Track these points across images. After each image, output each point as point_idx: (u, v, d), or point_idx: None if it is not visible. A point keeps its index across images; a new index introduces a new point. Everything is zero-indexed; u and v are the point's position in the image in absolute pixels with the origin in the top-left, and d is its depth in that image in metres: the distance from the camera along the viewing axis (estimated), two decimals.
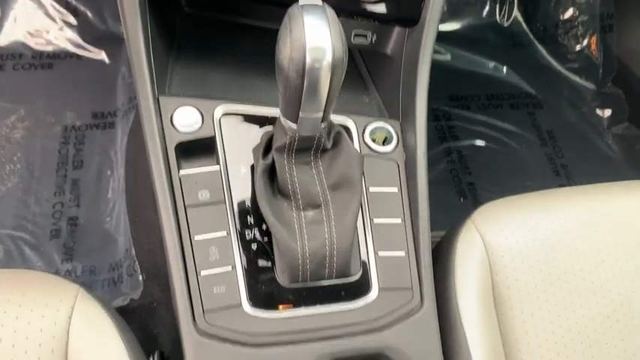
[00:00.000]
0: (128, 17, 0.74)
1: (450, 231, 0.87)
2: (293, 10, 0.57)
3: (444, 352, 0.73)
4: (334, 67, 0.56)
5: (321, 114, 0.62)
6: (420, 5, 0.78)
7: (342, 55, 0.57)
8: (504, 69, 1.81)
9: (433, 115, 1.65)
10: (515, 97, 1.76)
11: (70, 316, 0.67)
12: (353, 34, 0.87)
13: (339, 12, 0.81)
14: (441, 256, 0.83)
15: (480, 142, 1.64)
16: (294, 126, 0.64)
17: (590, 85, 1.81)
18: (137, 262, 1.12)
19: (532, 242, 0.83)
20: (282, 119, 0.65)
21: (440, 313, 0.74)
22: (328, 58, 0.56)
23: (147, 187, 0.84)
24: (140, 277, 1.11)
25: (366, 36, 0.87)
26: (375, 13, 0.80)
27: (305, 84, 0.57)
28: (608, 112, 1.76)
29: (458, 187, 1.55)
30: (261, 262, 0.70)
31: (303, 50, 0.55)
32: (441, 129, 1.64)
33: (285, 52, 0.56)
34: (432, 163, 1.58)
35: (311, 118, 0.62)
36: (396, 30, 0.85)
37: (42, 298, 0.67)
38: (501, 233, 0.83)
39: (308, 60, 0.55)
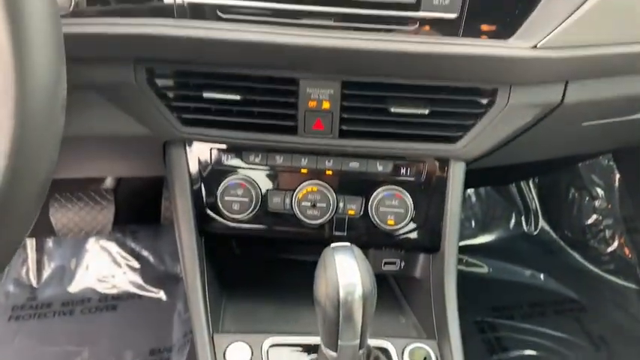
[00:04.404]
0: (188, 265, 0.86)
1: None
2: (326, 252, 0.68)
3: None
4: (365, 299, 0.65)
5: (358, 341, 0.69)
6: (439, 236, 0.89)
7: (371, 287, 0.66)
8: (542, 276, 1.85)
9: (478, 327, 1.66)
10: (557, 302, 1.77)
11: None
12: (383, 262, 0.98)
13: (369, 246, 0.92)
14: None
15: (530, 352, 1.61)
16: (334, 354, 0.70)
17: (632, 285, 1.82)
18: None
19: None
20: (324, 349, 0.72)
21: None
22: (359, 292, 0.65)
23: None
24: None
25: (395, 263, 0.98)
26: (400, 244, 0.91)
27: (341, 316, 0.65)
28: None
29: None
30: None
31: (336, 287, 0.65)
32: (488, 341, 1.64)
33: (322, 289, 0.66)
34: None
35: (349, 346, 0.69)
36: (422, 256, 0.96)
37: None
38: None
39: (341, 295, 0.64)
